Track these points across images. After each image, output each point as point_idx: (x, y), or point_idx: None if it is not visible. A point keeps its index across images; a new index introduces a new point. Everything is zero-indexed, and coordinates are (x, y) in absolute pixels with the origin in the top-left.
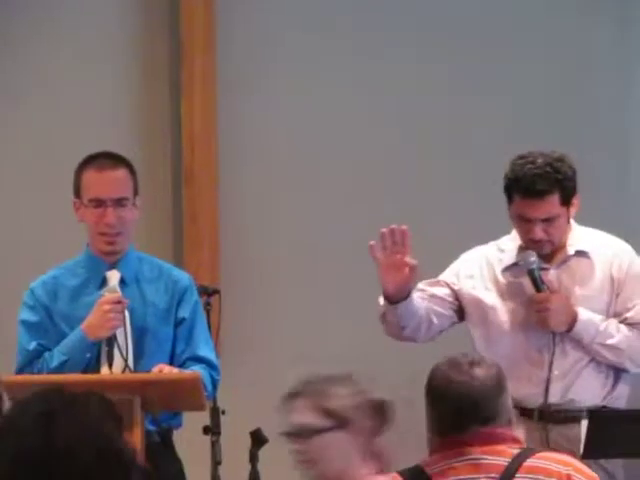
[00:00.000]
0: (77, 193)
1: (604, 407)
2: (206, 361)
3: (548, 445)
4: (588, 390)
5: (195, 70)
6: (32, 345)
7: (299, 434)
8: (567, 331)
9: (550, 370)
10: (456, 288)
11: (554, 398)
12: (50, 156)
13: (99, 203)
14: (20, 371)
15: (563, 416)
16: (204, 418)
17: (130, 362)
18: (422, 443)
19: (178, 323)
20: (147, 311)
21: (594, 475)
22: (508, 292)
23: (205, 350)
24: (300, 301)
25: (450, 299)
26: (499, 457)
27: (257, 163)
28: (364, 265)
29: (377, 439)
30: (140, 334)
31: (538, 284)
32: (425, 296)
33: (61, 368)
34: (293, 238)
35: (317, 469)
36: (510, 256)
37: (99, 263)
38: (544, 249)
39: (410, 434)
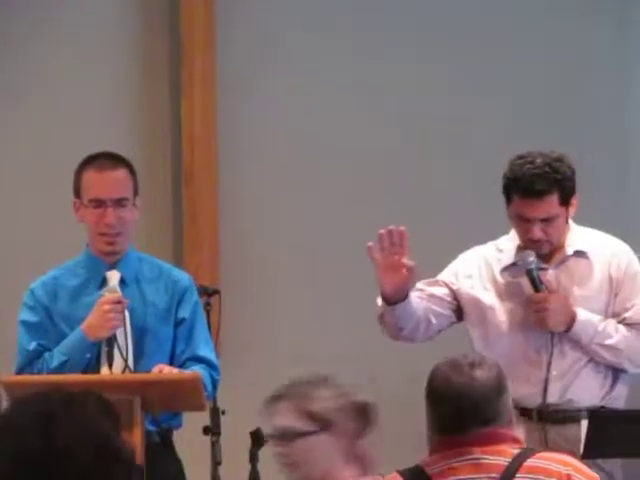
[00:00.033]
0: (77, 193)
1: (602, 407)
2: (206, 361)
3: (547, 445)
4: (586, 390)
5: (195, 70)
6: (32, 345)
7: (282, 437)
8: (566, 331)
9: (548, 370)
10: (455, 288)
11: (552, 398)
12: (50, 156)
13: (99, 203)
14: (20, 371)
15: (562, 416)
16: (204, 418)
17: (130, 362)
18: (422, 443)
19: (178, 323)
20: (147, 311)
21: (594, 475)
22: (506, 292)
23: (205, 350)
24: (300, 301)
25: (449, 299)
26: (499, 457)
27: (257, 163)
28: (364, 265)
29: (360, 441)
30: (140, 334)
31: (537, 284)
32: (424, 296)
33: (61, 368)
34: (293, 238)
35: (300, 472)
36: (509, 256)
37: (99, 263)
38: (543, 249)
39: (410, 434)
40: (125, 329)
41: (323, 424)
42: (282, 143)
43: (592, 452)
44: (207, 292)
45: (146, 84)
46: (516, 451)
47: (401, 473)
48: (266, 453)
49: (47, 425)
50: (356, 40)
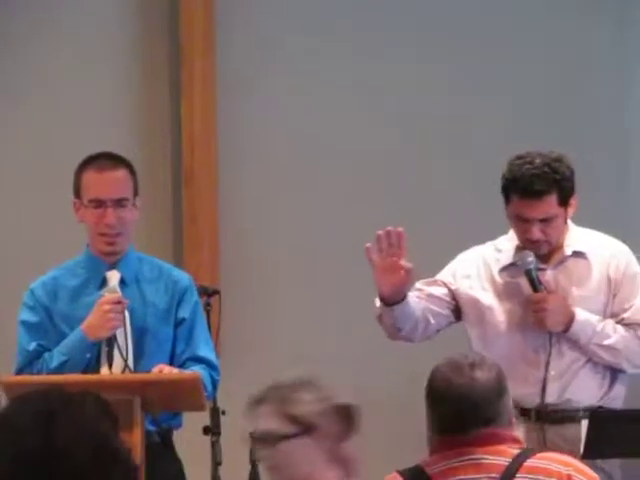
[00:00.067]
0: (77, 193)
1: (600, 407)
2: (206, 361)
3: (545, 445)
4: (585, 390)
5: (195, 70)
6: (32, 346)
7: (264, 440)
8: (564, 331)
9: (547, 370)
10: (453, 288)
11: (551, 398)
12: (50, 156)
13: (99, 204)
14: (20, 371)
15: (560, 416)
16: (204, 418)
17: (130, 362)
18: (422, 443)
19: (178, 323)
20: (147, 311)
21: (595, 475)
22: (505, 292)
23: (205, 350)
24: (300, 302)
25: (447, 299)
26: (500, 457)
27: (257, 164)
28: (364, 265)
29: (343, 444)
30: (140, 334)
31: (535, 284)
32: (422, 295)
33: (61, 368)
34: (293, 238)
35: (283, 475)
36: (507, 256)
37: (99, 263)
38: (541, 249)
39: (410, 434)
40: (125, 329)
41: (305, 427)
42: (282, 143)
43: (592, 452)
44: (207, 292)
45: (146, 84)
46: (516, 451)
47: (401, 473)
48: None
49: (47, 424)
50: (356, 40)
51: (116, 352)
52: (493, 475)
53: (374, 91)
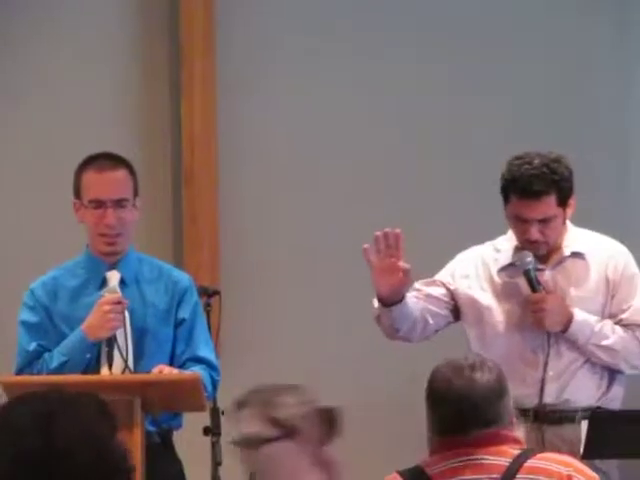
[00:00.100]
0: (77, 194)
1: (598, 408)
2: (206, 362)
3: (544, 445)
4: (583, 391)
5: (195, 71)
6: (32, 346)
7: (247, 443)
8: (562, 332)
9: (545, 371)
10: (452, 288)
11: (549, 398)
12: (50, 156)
13: (99, 204)
14: (20, 372)
15: (558, 416)
16: (204, 419)
17: (130, 363)
18: (422, 443)
19: (178, 324)
20: (147, 312)
21: (595, 476)
22: (504, 292)
23: (205, 351)
24: (300, 302)
25: (446, 299)
26: (500, 457)
27: (257, 164)
28: (364, 266)
29: (326, 448)
30: (140, 335)
31: (534, 284)
32: (421, 296)
33: (61, 369)
34: (293, 239)
35: (266, 478)
36: (506, 256)
37: (99, 264)
38: (540, 250)
39: (410, 434)
40: (125, 330)
41: (288, 431)
42: (282, 143)
43: (592, 452)
44: (207, 293)
45: (146, 84)
46: (517, 452)
47: (401, 473)
48: None
49: (47, 425)
50: (356, 40)
51: (116, 352)
52: (494, 475)
53: (374, 91)
